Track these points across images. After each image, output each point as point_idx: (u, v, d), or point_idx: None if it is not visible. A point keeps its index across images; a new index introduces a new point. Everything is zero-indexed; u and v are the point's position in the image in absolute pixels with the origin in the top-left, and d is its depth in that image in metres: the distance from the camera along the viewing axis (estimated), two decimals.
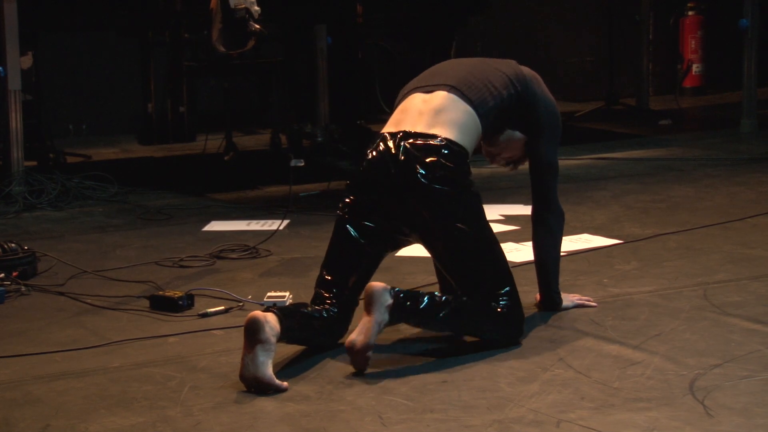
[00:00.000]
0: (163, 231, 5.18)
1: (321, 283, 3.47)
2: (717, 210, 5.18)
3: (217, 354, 3.46)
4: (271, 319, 3.16)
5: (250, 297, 3.95)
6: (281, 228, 5.03)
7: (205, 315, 3.82)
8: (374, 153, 3.47)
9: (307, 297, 4.00)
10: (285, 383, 3.14)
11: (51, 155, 6.52)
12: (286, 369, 3.30)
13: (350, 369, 3.28)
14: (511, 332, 3.44)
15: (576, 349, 3.40)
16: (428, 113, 3.48)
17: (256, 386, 3.12)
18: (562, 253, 3.80)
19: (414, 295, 3.33)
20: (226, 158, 6.68)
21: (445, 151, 3.41)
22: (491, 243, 3.46)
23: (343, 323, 3.44)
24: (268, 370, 3.12)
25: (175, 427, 2.93)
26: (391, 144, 3.43)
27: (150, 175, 6.63)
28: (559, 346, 3.43)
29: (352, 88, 7.18)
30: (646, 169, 6.29)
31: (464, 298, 3.39)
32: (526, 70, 3.68)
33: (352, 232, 3.44)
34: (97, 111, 7.89)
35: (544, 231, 3.68)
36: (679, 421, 2.85)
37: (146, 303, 3.96)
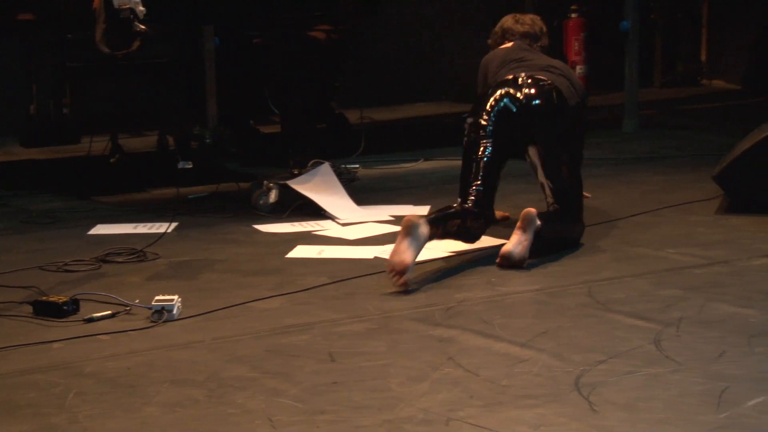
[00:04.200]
0: (47, 235, 5.07)
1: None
2: (602, 209, 5.27)
3: (103, 359, 3.40)
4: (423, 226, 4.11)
5: (137, 301, 3.90)
6: (169, 231, 4.98)
7: (91, 320, 3.76)
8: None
9: (196, 300, 3.98)
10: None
11: None
12: (175, 372, 3.27)
13: (240, 372, 3.26)
14: None
15: (465, 348, 3.44)
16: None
17: (398, 267, 3.98)
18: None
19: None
20: (111, 160, 6.58)
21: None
22: None
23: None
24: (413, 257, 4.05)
25: None
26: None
27: (33, 177, 6.49)
28: (449, 346, 3.46)
29: (242, 89, 7.13)
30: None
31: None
32: None
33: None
34: None
35: None
36: (565, 417, 2.90)
37: (29, 309, 3.87)
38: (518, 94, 4.60)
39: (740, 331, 3.49)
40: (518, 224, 4.31)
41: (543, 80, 4.64)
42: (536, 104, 4.60)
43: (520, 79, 4.65)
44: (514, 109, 4.58)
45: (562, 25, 9.48)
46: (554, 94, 4.62)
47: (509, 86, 4.64)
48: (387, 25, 8.82)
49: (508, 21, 5.10)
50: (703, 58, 10.23)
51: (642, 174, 6.19)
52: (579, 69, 9.51)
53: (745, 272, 4.18)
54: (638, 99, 7.82)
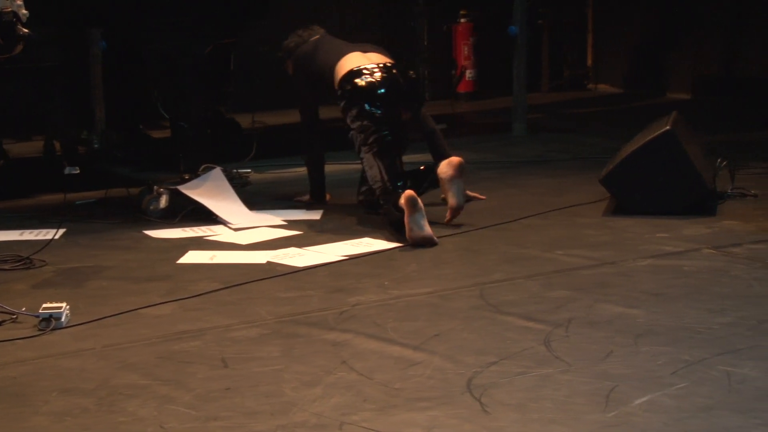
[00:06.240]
0: None
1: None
2: (492, 212, 5.34)
3: None
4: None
5: (24, 309, 3.82)
6: (57, 237, 4.89)
7: None
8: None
9: (85, 308, 3.92)
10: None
11: None
12: (64, 380, 3.21)
13: (131, 379, 3.22)
14: None
15: (359, 352, 3.45)
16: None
17: (423, 242, 4.66)
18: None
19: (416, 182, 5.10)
20: None
21: None
22: None
23: None
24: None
25: None
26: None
27: None
28: (342, 349, 3.47)
29: (130, 93, 7.04)
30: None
31: None
32: None
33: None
34: None
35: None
36: (458, 418, 2.93)
37: None
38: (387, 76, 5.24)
39: (627, 331, 3.57)
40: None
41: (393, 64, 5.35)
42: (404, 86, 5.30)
43: (377, 66, 5.28)
44: (395, 91, 5.23)
45: (452, 30, 9.58)
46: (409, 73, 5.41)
47: (373, 72, 5.26)
48: (278, 29, 8.80)
49: None
50: (589, 62, 10.44)
51: (530, 177, 6.27)
52: (468, 73, 9.62)
53: (631, 273, 4.27)
54: (526, 103, 7.93)
